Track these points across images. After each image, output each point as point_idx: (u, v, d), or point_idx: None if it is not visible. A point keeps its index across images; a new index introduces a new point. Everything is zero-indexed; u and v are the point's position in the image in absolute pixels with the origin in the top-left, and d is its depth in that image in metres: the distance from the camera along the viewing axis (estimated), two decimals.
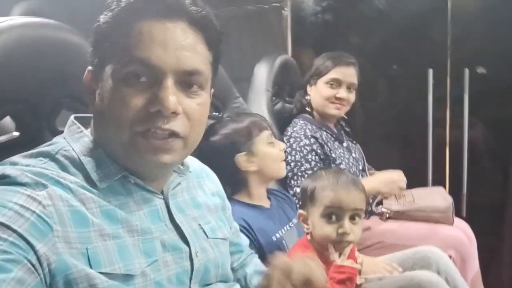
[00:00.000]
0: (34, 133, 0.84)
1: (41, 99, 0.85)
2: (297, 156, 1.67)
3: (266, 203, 1.37)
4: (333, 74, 1.77)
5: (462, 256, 1.60)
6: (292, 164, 1.66)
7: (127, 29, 0.70)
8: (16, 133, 0.81)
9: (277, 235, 1.29)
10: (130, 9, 0.71)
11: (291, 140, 1.72)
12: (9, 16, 1.02)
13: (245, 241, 1.06)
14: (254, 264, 1.04)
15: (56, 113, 0.87)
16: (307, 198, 1.18)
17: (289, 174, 1.65)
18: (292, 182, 1.64)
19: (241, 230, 1.11)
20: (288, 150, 1.69)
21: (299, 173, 1.64)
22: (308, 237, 1.18)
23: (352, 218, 1.13)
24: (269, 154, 1.33)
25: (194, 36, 0.73)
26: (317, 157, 1.68)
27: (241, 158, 1.29)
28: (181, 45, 0.71)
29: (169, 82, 0.69)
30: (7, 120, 0.81)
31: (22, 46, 0.80)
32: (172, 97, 0.69)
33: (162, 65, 0.69)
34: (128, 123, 0.69)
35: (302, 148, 1.68)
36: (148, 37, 0.69)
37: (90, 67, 0.75)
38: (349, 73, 1.78)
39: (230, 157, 1.29)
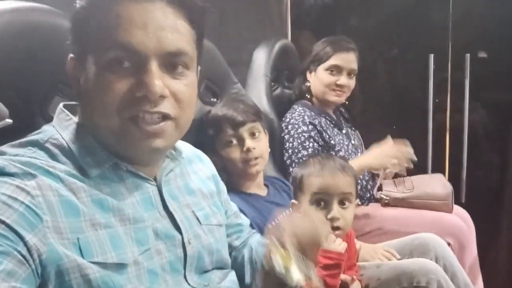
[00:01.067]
0: (28, 119, 0.83)
1: (34, 85, 0.83)
2: (294, 143, 1.66)
3: (262, 191, 1.35)
4: (333, 60, 1.75)
5: (460, 243, 1.60)
6: (290, 151, 1.65)
7: (104, 13, 0.68)
8: (9, 120, 0.80)
9: (273, 223, 1.27)
10: None
11: (289, 126, 1.70)
12: None
13: (245, 221, 1.05)
14: (257, 238, 1.03)
15: (49, 99, 0.86)
16: (297, 186, 1.17)
17: (288, 161, 1.64)
18: (290, 169, 1.63)
19: None
20: (286, 137, 1.68)
21: (297, 160, 1.63)
22: None
23: (341, 203, 1.10)
24: (224, 156, 1.27)
25: (174, 15, 0.71)
26: (315, 143, 1.66)
27: (208, 155, 1.28)
28: (161, 26, 0.69)
29: (153, 66, 0.68)
30: (0, 107, 0.79)
31: (13, 32, 0.78)
32: (158, 81, 0.67)
33: (144, 48, 0.67)
34: (115, 110, 0.68)
35: (300, 135, 1.66)
36: (127, 20, 0.67)
37: (71, 55, 0.73)
38: (350, 59, 1.76)
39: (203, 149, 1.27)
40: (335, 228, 1.08)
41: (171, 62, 0.71)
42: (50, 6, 0.87)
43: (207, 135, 1.27)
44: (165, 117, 0.70)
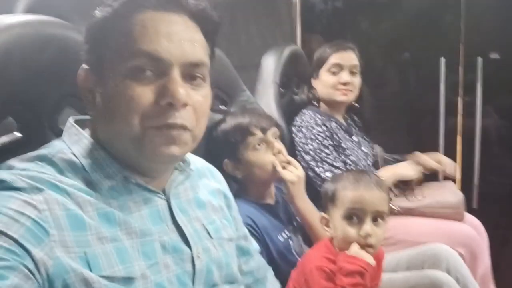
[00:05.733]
0: (36, 133, 0.83)
1: (43, 98, 0.83)
2: (314, 144, 1.66)
3: (272, 200, 1.34)
4: (332, 59, 1.76)
5: (472, 253, 1.58)
6: (312, 153, 1.65)
7: (129, 22, 0.69)
8: (18, 134, 0.80)
9: (283, 235, 1.27)
10: (131, 3, 0.70)
11: (303, 129, 1.70)
12: (12, 12, 1.01)
13: (255, 246, 1.04)
14: None
15: (58, 112, 0.86)
16: (328, 199, 1.14)
17: (312, 163, 1.64)
18: (317, 169, 1.63)
19: (247, 228, 1.10)
20: (303, 140, 1.68)
21: (320, 159, 1.64)
22: (335, 243, 1.13)
23: (374, 220, 1.08)
24: (253, 161, 1.26)
25: (194, 28, 0.74)
26: (332, 142, 1.68)
27: (227, 164, 1.27)
28: (185, 37, 0.71)
29: (176, 74, 0.69)
30: (9, 120, 0.80)
31: (22, 45, 0.78)
32: (182, 88, 0.69)
33: (168, 57, 0.69)
34: (138, 119, 0.68)
35: (317, 136, 1.67)
36: (153, 29, 0.69)
37: (85, 66, 0.73)
38: (349, 57, 1.77)
39: (220, 160, 1.26)
40: (367, 246, 1.06)
41: (191, 73, 0.72)
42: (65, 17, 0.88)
43: (229, 142, 1.27)
44: (183, 127, 0.71)
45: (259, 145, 1.27)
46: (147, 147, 0.70)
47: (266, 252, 1.18)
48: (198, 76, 0.73)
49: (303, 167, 1.56)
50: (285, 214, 1.35)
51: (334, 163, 1.63)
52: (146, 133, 0.69)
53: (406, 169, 1.71)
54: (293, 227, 1.34)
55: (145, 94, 0.68)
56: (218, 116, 1.37)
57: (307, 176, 1.55)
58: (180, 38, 0.70)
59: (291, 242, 1.28)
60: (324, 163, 1.62)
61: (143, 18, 0.69)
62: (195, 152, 0.85)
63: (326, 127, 1.70)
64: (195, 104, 0.72)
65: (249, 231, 1.11)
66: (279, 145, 1.29)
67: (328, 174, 1.59)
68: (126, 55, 0.68)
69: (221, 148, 1.27)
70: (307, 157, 1.65)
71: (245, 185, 1.30)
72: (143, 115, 0.68)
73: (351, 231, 1.07)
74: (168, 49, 0.68)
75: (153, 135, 0.69)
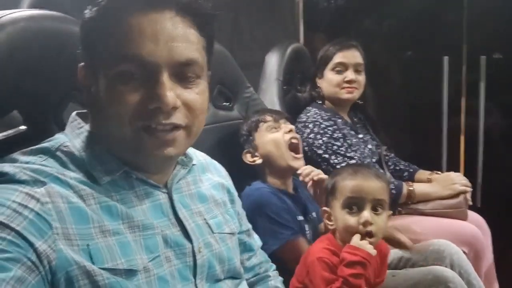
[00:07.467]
0: (41, 126, 0.83)
1: (48, 92, 0.83)
2: (324, 138, 1.67)
3: (290, 189, 1.38)
4: (337, 59, 1.77)
5: (476, 252, 1.57)
6: (323, 146, 1.67)
7: (113, 25, 0.68)
8: (23, 127, 0.80)
9: (301, 218, 1.31)
10: (115, 3, 0.69)
11: (310, 125, 1.71)
12: (19, 7, 1.01)
13: (258, 242, 1.04)
14: None
15: (63, 106, 0.86)
16: (329, 193, 1.16)
17: (325, 156, 1.66)
18: (332, 161, 1.65)
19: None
20: (312, 135, 1.69)
21: (332, 152, 1.65)
22: (337, 236, 1.14)
23: (374, 209, 1.08)
24: (268, 140, 1.34)
25: (183, 24, 0.71)
26: (341, 134, 1.69)
27: (246, 155, 1.35)
28: (171, 36, 0.68)
29: (165, 77, 0.68)
30: (14, 114, 0.80)
31: (27, 39, 0.79)
32: (170, 92, 0.67)
33: (154, 60, 0.67)
34: (128, 121, 0.68)
35: (326, 130, 1.68)
36: (137, 32, 0.67)
37: (82, 63, 0.73)
38: (353, 55, 1.78)
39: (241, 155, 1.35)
40: (367, 234, 1.07)
41: (182, 72, 0.71)
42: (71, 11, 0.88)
43: (246, 135, 1.37)
44: (177, 126, 0.70)
45: (270, 128, 1.35)
46: (142, 149, 0.70)
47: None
48: (191, 74, 0.71)
49: (315, 161, 1.61)
50: (304, 205, 1.38)
51: (347, 154, 1.65)
52: (138, 135, 0.68)
53: (439, 188, 1.72)
54: (312, 218, 1.37)
55: (134, 98, 0.67)
56: (223, 113, 1.38)
57: (321, 169, 1.57)
58: (167, 38, 0.68)
59: (306, 227, 1.32)
60: (338, 155, 1.64)
61: (128, 20, 0.67)
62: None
63: (333, 121, 1.72)
64: (188, 103, 0.71)
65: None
66: (289, 125, 1.37)
67: (344, 165, 1.60)
68: (113, 59, 0.67)
69: (241, 145, 1.36)
70: (319, 151, 1.66)
71: (264, 175, 1.35)
72: (133, 118, 0.67)
73: (351, 220, 1.08)
74: (154, 52, 0.67)
75: (146, 138, 0.69)
